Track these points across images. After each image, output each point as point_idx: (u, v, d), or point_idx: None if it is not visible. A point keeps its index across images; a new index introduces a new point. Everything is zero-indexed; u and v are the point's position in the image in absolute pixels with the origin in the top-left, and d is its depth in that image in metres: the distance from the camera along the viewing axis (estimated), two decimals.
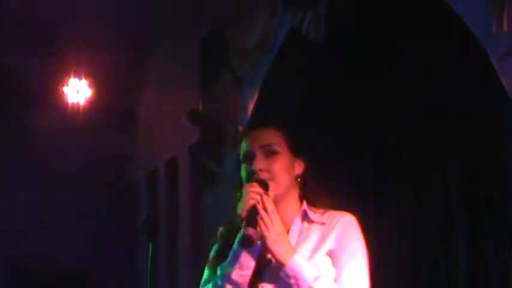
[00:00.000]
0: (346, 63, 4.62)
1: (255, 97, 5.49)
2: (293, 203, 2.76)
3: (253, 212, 2.56)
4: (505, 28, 3.03)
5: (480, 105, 3.64)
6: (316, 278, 2.54)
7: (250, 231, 2.55)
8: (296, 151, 2.76)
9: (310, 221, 2.72)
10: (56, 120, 8.03)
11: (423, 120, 4.14)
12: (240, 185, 2.71)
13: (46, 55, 7.56)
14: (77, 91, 7.90)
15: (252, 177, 2.67)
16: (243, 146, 2.77)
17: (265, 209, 2.57)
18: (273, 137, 2.73)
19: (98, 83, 7.95)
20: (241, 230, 2.58)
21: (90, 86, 7.93)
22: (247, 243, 2.56)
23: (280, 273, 2.56)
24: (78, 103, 7.95)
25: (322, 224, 2.70)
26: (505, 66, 3.10)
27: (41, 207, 8.20)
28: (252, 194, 2.59)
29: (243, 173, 2.73)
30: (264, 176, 2.66)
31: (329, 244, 2.66)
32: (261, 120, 2.83)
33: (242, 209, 2.59)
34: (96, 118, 8.14)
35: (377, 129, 4.48)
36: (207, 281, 2.73)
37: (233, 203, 2.71)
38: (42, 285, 8.08)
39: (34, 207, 8.15)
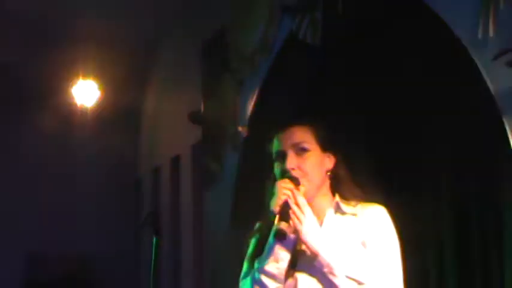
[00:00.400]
0: (344, 65, 4.64)
1: (254, 98, 5.53)
2: (326, 197, 2.79)
3: (285, 207, 2.60)
4: (491, 34, 3.07)
5: (468, 105, 3.67)
6: (349, 267, 2.57)
7: (283, 225, 2.58)
8: (326, 146, 2.79)
9: (343, 213, 2.76)
10: (66, 120, 8.09)
11: (416, 120, 4.17)
12: (273, 182, 2.73)
13: (57, 59, 7.62)
14: (85, 93, 7.94)
15: (284, 175, 2.69)
16: (275, 145, 2.78)
17: (296, 203, 2.60)
18: (302, 135, 2.76)
19: (104, 85, 7.98)
20: (275, 225, 2.61)
21: (97, 87, 7.96)
22: (280, 237, 2.59)
23: (315, 263, 2.60)
24: (86, 104, 7.99)
25: (354, 215, 2.74)
26: (492, 69, 3.14)
27: (49, 204, 8.23)
28: (283, 190, 2.62)
29: (276, 171, 2.75)
30: (295, 174, 2.69)
31: (361, 234, 2.69)
32: (289, 118, 2.86)
33: (275, 204, 2.62)
34: (103, 118, 8.17)
35: (374, 127, 4.49)
36: (246, 275, 2.77)
37: (264, 199, 2.74)
38: (50, 282, 8.11)
39: (42, 205, 8.19)
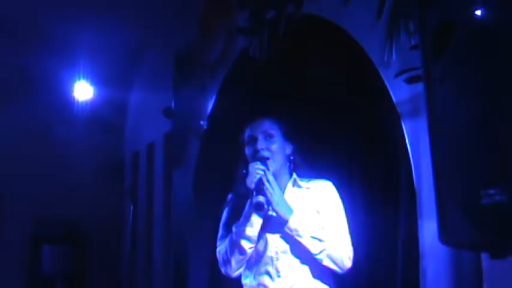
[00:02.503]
0: (281, 75, 4.66)
1: (214, 98, 5.52)
2: (286, 175, 2.82)
3: (259, 184, 2.61)
4: (394, 57, 3.11)
5: (377, 112, 3.70)
6: (311, 229, 2.60)
7: (261, 198, 2.60)
8: (287, 135, 2.82)
9: (299, 187, 2.79)
10: (66, 113, 7.99)
11: (335, 118, 4.19)
12: (245, 163, 2.76)
13: (60, 63, 7.54)
14: (82, 90, 7.85)
15: (256, 155, 2.72)
16: (247, 132, 2.80)
17: (268, 181, 2.62)
18: (270, 124, 2.80)
19: (97, 84, 7.91)
20: (253, 198, 2.61)
21: (92, 86, 7.87)
22: (259, 208, 2.61)
23: (284, 228, 2.62)
24: (83, 100, 7.90)
25: (308, 188, 2.77)
26: (394, 84, 3.17)
27: (52, 178, 8.13)
28: (257, 170, 2.63)
29: (248, 152, 2.77)
30: (264, 153, 2.71)
31: (316, 204, 2.72)
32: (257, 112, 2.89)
33: (251, 182, 2.63)
34: (96, 112, 8.09)
35: (305, 122, 4.49)
36: (223, 237, 2.78)
37: (237, 178, 2.77)
38: (52, 238, 8.03)
39: (47, 179, 8.09)
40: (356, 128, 4.03)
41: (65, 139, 8.18)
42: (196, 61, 5.84)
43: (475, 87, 1.69)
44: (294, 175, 2.82)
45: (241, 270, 2.75)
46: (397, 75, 3.00)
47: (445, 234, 1.78)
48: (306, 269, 2.65)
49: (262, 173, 2.63)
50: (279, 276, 2.64)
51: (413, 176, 3.07)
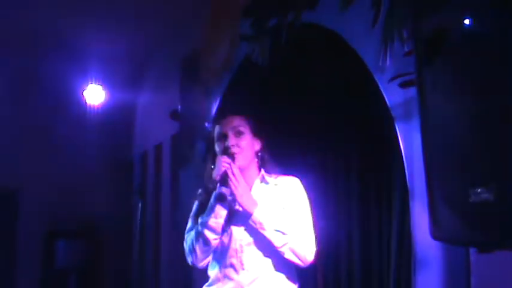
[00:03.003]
0: (282, 79, 4.66)
1: (218, 101, 5.52)
2: (254, 171, 2.77)
3: (224, 176, 2.57)
4: (388, 63, 3.11)
5: (371, 115, 3.71)
6: (275, 222, 2.55)
7: (223, 189, 2.57)
8: (256, 132, 2.78)
9: (267, 183, 2.74)
10: (79, 116, 8.01)
11: (333, 120, 4.19)
12: (213, 159, 2.71)
13: (72, 69, 7.56)
14: (93, 94, 7.86)
15: (226, 151, 2.66)
16: (217, 129, 2.76)
17: (233, 173, 2.57)
18: (239, 122, 2.75)
19: (108, 88, 7.92)
20: (217, 190, 2.59)
21: (102, 90, 7.89)
22: (221, 199, 2.58)
23: (249, 221, 2.57)
24: (95, 103, 7.91)
25: (276, 185, 2.73)
26: (388, 89, 3.18)
27: (66, 178, 8.13)
28: (223, 163, 2.59)
29: (218, 148, 2.72)
30: (234, 150, 2.66)
31: (282, 199, 2.67)
32: (228, 111, 2.85)
33: (216, 174, 2.59)
34: (107, 114, 8.10)
35: (306, 124, 4.51)
36: (191, 229, 2.72)
37: (206, 174, 2.73)
38: (65, 233, 8.05)
39: (61, 179, 8.09)
40: (352, 130, 4.03)
41: (78, 140, 8.20)
42: (202, 65, 5.85)
43: (465, 91, 1.70)
44: (262, 171, 2.78)
45: (206, 261, 2.71)
46: (391, 80, 3.00)
47: (436, 230, 1.78)
48: (269, 261, 2.61)
49: (227, 165, 2.58)
50: (243, 269, 2.60)
51: (407, 175, 3.07)
